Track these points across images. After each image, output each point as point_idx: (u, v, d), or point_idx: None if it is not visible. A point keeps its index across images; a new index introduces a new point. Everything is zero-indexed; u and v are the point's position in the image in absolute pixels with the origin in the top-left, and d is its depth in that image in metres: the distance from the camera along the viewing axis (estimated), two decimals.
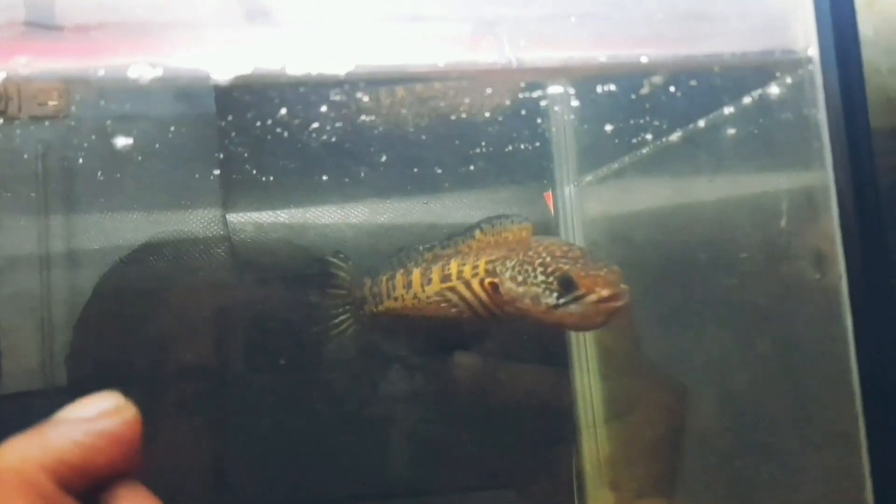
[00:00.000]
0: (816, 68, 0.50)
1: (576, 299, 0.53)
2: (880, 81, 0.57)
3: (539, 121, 0.72)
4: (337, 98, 0.56)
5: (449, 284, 0.62)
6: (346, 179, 0.78)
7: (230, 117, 0.63)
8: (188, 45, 0.43)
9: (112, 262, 0.78)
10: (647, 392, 0.74)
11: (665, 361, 0.74)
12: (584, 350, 0.79)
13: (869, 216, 0.51)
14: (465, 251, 0.64)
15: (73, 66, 0.38)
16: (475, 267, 0.60)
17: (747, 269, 0.64)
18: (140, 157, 0.69)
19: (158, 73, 0.38)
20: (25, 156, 0.75)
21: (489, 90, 0.62)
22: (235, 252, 0.81)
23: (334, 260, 0.75)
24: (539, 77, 0.55)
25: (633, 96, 0.57)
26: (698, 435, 0.69)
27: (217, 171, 0.74)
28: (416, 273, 0.65)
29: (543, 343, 0.75)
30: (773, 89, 0.53)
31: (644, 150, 0.70)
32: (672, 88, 0.55)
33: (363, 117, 0.63)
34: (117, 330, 0.78)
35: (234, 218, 0.81)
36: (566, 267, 0.54)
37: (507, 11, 0.49)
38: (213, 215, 0.80)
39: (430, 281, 0.63)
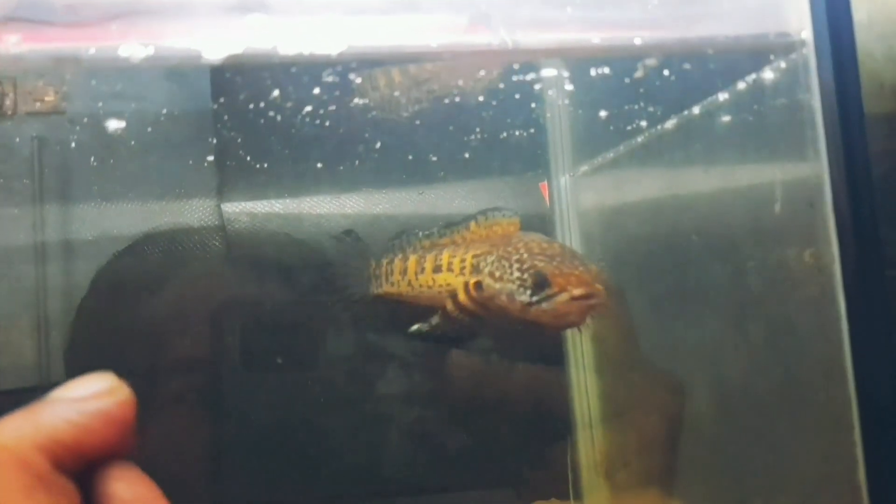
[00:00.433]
0: (810, 52, 0.50)
1: (548, 297, 0.53)
2: (874, 67, 0.58)
3: (533, 105, 0.72)
4: (329, 81, 0.56)
5: (441, 276, 0.62)
6: (336, 166, 0.78)
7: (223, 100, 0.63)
8: (182, 31, 0.43)
9: (109, 255, 0.78)
10: (643, 387, 0.74)
11: (662, 350, 0.75)
12: (581, 346, 0.79)
13: (862, 202, 0.51)
14: (459, 242, 0.64)
15: (65, 46, 0.38)
16: (463, 261, 0.60)
17: (742, 256, 0.65)
18: (134, 146, 0.69)
19: (150, 52, 0.38)
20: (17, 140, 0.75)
21: (481, 71, 0.62)
22: (230, 242, 0.81)
23: (346, 238, 0.75)
24: (533, 58, 0.55)
25: (627, 80, 0.57)
26: (692, 421, 0.69)
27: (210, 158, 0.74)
28: (411, 260, 0.65)
29: (540, 340, 0.75)
30: (768, 73, 0.53)
31: (639, 139, 0.70)
32: (666, 72, 0.55)
33: (357, 102, 0.63)
34: (119, 323, 0.78)
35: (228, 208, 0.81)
36: (541, 264, 0.54)
37: None
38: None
39: (423, 270, 0.63)
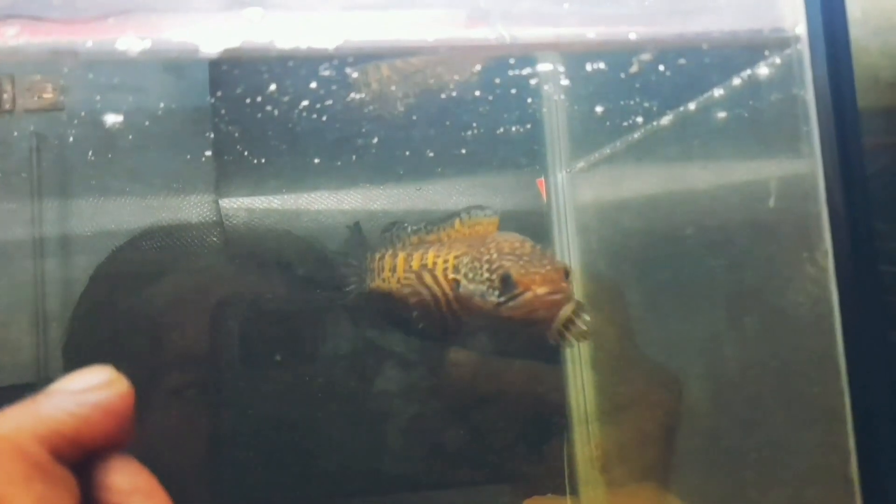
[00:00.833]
0: (805, 47, 0.50)
1: (514, 297, 0.54)
2: (869, 62, 0.58)
3: (530, 101, 0.72)
4: (326, 75, 0.56)
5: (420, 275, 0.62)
6: (328, 162, 0.78)
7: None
8: (180, 25, 0.43)
9: (107, 250, 0.78)
10: (639, 382, 0.74)
11: (658, 344, 0.75)
12: (577, 344, 0.79)
13: (856, 196, 0.52)
14: (444, 240, 0.64)
15: (62, 39, 0.38)
16: (445, 261, 0.61)
17: (737, 250, 0.65)
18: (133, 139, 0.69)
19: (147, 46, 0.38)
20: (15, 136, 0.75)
21: (465, 64, 0.62)
22: (228, 236, 0.81)
23: (351, 230, 0.75)
24: (530, 53, 0.55)
25: (623, 75, 0.57)
26: (687, 414, 0.69)
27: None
28: (400, 257, 0.65)
29: (535, 337, 0.75)
30: (763, 69, 0.53)
31: (636, 135, 0.71)
32: (661, 67, 0.56)
33: (354, 97, 0.63)
34: (117, 318, 0.78)
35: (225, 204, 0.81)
36: (508, 264, 0.55)
37: None
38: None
39: (410, 267, 0.64)
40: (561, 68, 0.63)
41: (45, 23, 0.40)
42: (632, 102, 0.65)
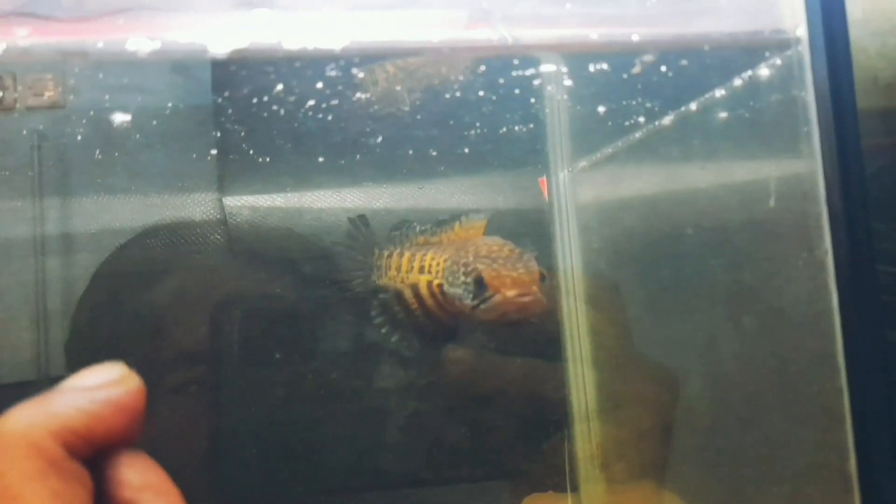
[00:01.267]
0: (805, 48, 0.51)
1: (485, 300, 0.55)
2: (868, 63, 0.58)
3: (533, 101, 0.72)
4: (331, 75, 0.57)
5: (423, 277, 0.63)
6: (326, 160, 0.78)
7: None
8: (186, 25, 0.44)
9: (111, 248, 0.78)
10: (638, 380, 0.75)
11: (658, 342, 0.75)
12: (578, 340, 0.80)
13: (855, 196, 0.52)
14: (444, 242, 0.65)
15: (72, 40, 0.39)
16: (438, 264, 0.62)
17: (738, 250, 0.65)
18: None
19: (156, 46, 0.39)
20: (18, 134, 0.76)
21: (469, 61, 0.63)
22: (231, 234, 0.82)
23: (357, 223, 0.76)
24: (532, 53, 0.56)
25: (626, 76, 0.58)
26: (687, 412, 0.70)
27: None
28: (406, 257, 0.66)
29: (537, 334, 0.75)
30: (763, 70, 0.54)
31: (637, 134, 0.71)
32: (663, 68, 0.56)
33: (358, 97, 0.64)
34: (120, 316, 0.78)
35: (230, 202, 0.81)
36: (481, 267, 0.56)
37: None
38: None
39: (412, 268, 0.65)
40: (563, 69, 0.63)
41: (54, 22, 0.40)
42: (633, 103, 0.66)
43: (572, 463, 0.77)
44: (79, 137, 0.69)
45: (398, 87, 0.67)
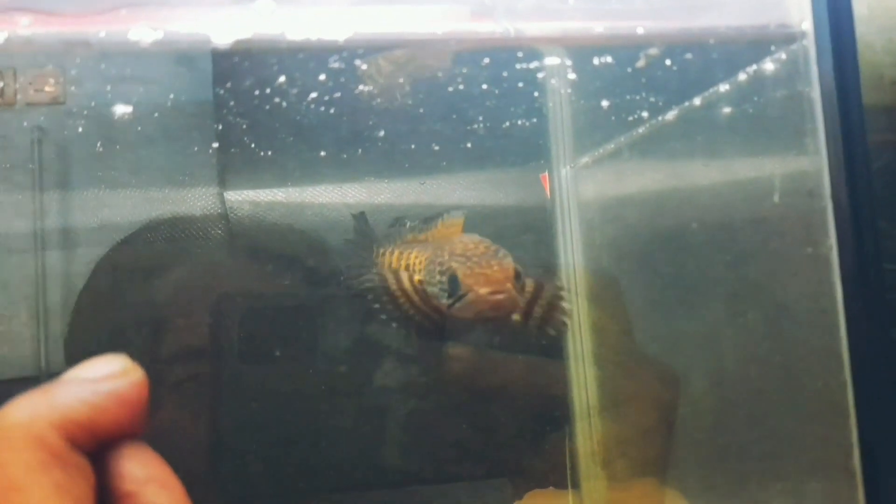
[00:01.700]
0: (811, 43, 0.50)
1: (459, 298, 0.55)
2: (874, 59, 0.58)
3: (535, 95, 0.72)
4: (333, 68, 0.57)
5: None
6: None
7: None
8: (189, 17, 0.43)
9: (111, 243, 0.78)
10: (640, 378, 0.75)
11: (662, 339, 0.75)
12: (580, 337, 0.80)
13: (861, 193, 0.52)
14: (429, 240, 0.65)
15: (74, 30, 0.38)
16: (421, 263, 0.62)
17: (742, 247, 0.65)
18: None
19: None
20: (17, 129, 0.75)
21: (451, 52, 0.62)
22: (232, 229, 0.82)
23: (358, 220, 0.76)
24: (535, 46, 0.55)
25: (630, 69, 0.57)
26: (691, 408, 0.69)
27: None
28: (395, 255, 0.66)
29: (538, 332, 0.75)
30: (768, 64, 0.54)
31: (640, 130, 0.71)
32: (668, 62, 0.56)
33: (360, 90, 0.64)
34: (120, 310, 0.78)
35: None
36: (455, 266, 0.56)
37: None
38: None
39: (400, 267, 0.65)
40: (566, 63, 0.63)
41: (57, 14, 0.40)
42: (637, 97, 0.65)
43: (573, 460, 0.77)
44: (80, 129, 0.69)
45: (390, 81, 0.67)
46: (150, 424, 0.33)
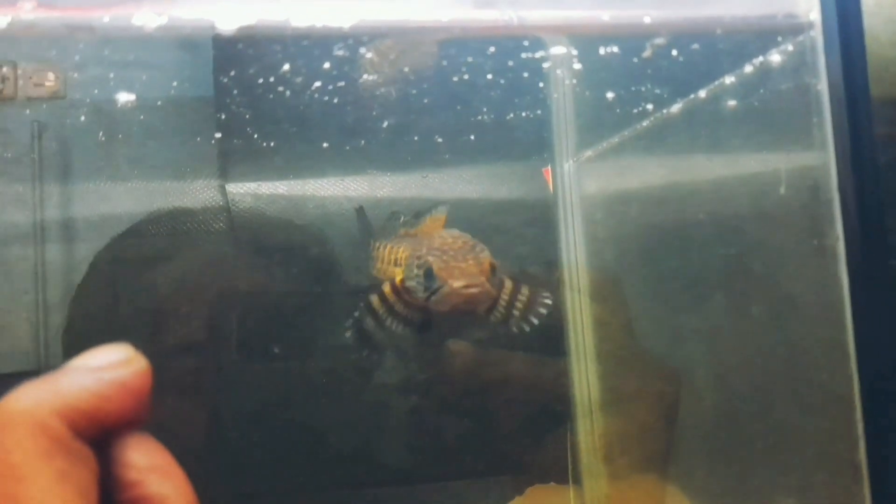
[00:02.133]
0: (818, 34, 0.50)
1: (435, 291, 0.57)
2: (880, 51, 0.58)
3: (540, 86, 0.72)
4: (337, 55, 0.56)
5: (397, 270, 0.64)
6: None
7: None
8: (192, 3, 0.43)
9: (112, 235, 0.78)
10: (641, 374, 0.75)
11: (666, 333, 0.75)
12: (582, 333, 0.80)
13: (867, 186, 0.52)
14: (418, 235, 0.66)
15: (78, 14, 0.38)
16: (407, 258, 0.63)
17: (747, 241, 0.65)
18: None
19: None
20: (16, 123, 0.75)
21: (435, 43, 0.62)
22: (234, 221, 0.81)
23: (358, 213, 0.77)
24: (539, 35, 0.55)
25: (636, 60, 0.57)
26: (692, 404, 0.69)
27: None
28: (388, 249, 0.67)
29: (539, 328, 0.75)
30: (775, 56, 0.53)
31: (644, 123, 0.70)
32: (674, 52, 0.56)
33: (363, 80, 0.63)
34: (120, 303, 0.78)
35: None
36: (432, 259, 0.58)
37: None
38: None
39: (391, 261, 0.66)
40: (570, 53, 0.62)
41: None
42: (642, 89, 0.65)
43: (575, 455, 0.77)
44: (82, 118, 0.69)
45: (379, 71, 0.67)
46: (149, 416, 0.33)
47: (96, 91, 0.68)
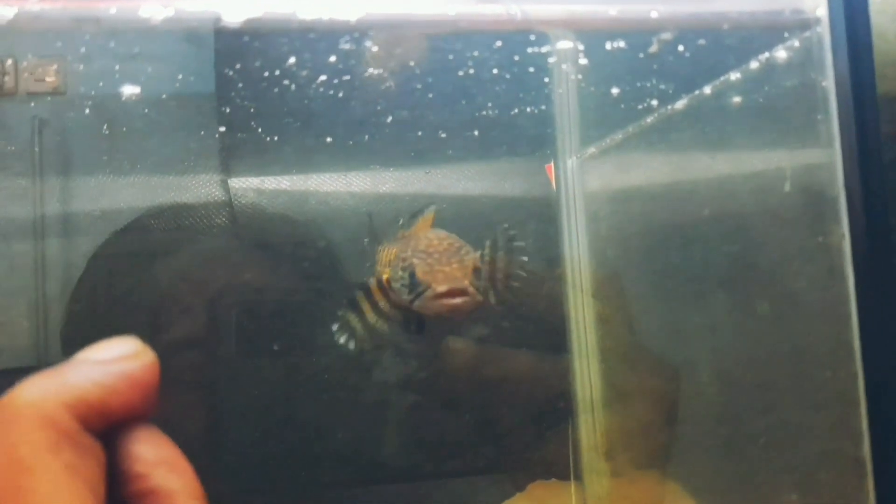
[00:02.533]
0: (825, 29, 0.50)
1: (419, 294, 0.57)
2: (887, 48, 0.58)
3: (545, 80, 0.72)
4: (344, 49, 0.56)
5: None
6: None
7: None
8: None
9: (114, 229, 0.78)
10: (646, 371, 0.75)
11: (668, 330, 0.75)
12: (584, 330, 0.80)
13: (873, 183, 0.52)
14: (409, 236, 0.66)
15: (83, 6, 0.38)
16: (395, 259, 0.63)
17: (751, 239, 0.65)
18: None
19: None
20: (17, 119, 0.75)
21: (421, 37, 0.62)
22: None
23: (366, 220, 0.77)
24: (542, 28, 0.55)
25: (642, 55, 0.57)
26: (695, 401, 0.69)
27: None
28: (384, 251, 0.67)
29: (540, 326, 0.75)
30: (781, 52, 0.53)
31: (649, 119, 0.70)
32: (681, 47, 0.55)
33: (368, 74, 0.63)
34: (121, 299, 0.77)
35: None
36: (416, 262, 0.58)
37: None
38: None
39: (387, 263, 0.66)
40: (574, 48, 0.62)
41: None
42: (648, 85, 0.65)
43: (576, 452, 0.77)
44: (86, 111, 0.69)
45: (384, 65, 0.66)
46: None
47: (98, 85, 0.67)
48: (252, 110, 0.71)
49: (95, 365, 0.30)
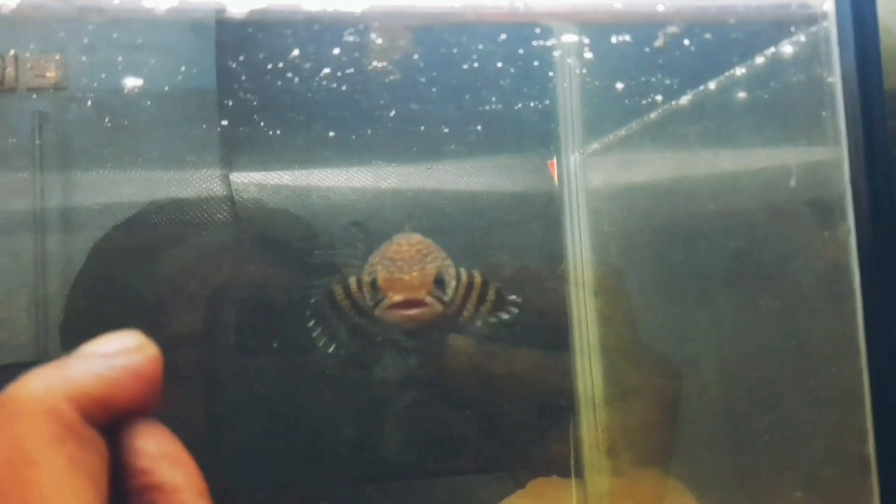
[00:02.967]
0: (832, 24, 0.50)
1: (378, 302, 0.57)
2: (892, 44, 0.57)
3: (550, 75, 0.71)
4: (348, 41, 0.55)
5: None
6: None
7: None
8: None
9: (114, 224, 0.77)
10: (648, 369, 0.75)
11: (672, 328, 0.75)
12: (586, 327, 0.79)
13: (879, 178, 0.51)
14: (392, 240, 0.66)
15: None
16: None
17: (756, 234, 0.65)
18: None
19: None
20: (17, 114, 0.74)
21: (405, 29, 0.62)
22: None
23: (354, 229, 0.76)
24: (545, 22, 0.54)
25: (647, 49, 0.56)
26: (698, 398, 0.69)
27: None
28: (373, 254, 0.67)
29: (542, 324, 0.75)
30: (787, 46, 0.53)
31: (652, 115, 0.70)
32: (686, 41, 0.55)
33: (371, 68, 0.62)
34: (120, 294, 0.77)
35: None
36: (379, 269, 0.58)
37: None
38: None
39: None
40: (578, 42, 0.62)
41: None
42: (653, 79, 0.65)
43: (578, 449, 0.77)
44: (88, 103, 0.68)
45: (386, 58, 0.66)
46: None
47: (100, 77, 0.67)
48: (255, 103, 0.71)
49: (99, 358, 0.30)
